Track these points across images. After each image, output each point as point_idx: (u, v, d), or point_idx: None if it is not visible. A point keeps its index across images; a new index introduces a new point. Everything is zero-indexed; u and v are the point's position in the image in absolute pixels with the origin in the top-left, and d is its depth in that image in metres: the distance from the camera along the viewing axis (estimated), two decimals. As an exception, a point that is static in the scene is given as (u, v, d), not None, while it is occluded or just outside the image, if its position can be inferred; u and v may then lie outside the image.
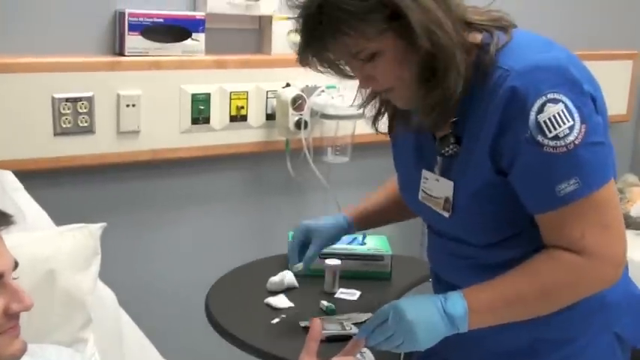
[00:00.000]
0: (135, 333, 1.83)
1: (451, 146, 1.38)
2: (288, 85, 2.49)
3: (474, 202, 1.36)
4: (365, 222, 1.80)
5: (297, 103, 2.45)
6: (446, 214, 1.41)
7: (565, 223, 1.30)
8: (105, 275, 1.78)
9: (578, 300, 1.36)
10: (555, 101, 1.25)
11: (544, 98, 1.25)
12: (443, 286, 1.47)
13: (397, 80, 1.33)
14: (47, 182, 2.16)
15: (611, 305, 1.37)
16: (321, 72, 1.40)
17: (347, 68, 1.39)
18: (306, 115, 2.46)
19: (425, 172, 1.47)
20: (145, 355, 1.81)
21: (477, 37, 1.34)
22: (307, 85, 2.49)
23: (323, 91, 2.52)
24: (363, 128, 2.42)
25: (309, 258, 1.75)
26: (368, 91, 1.47)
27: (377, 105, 1.50)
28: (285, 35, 2.48)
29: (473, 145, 1.34)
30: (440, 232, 1.51)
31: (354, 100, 1.54)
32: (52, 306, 1.57)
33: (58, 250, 1.62)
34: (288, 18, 1.37)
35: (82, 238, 1.67)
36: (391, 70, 1.31)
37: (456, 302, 1.33)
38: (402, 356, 1.71)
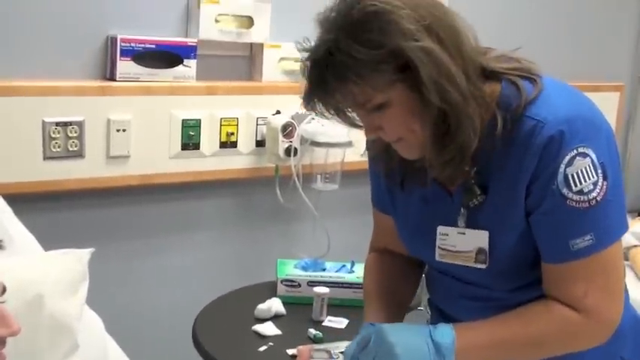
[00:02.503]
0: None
1: (478, 197, 1.35)
2: (278, 112, 2.50)
3: (512, 250, 1.34)
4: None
5: (287, 130, 2.46)
6: (482, 266, 1.37)
7: (570, 278, 1.30)
8: (92, 300, 1.76)
9: (566, 353, 1.36)
10: (584, 155, 1.25)
11: (575, 152, 1.25)
12: (448, 322, 1.40)
13: (407, 132, 1.28)
14: (36, 206, 2.16)
15: (620, 333, 1.37)
16: (327, 118, 1.34)
17: (354, 115, 1.33)
18: (295, 142, 2.47)
19: (443, 228, 1.41)
20: (131, 382, 1.79)
21: (496, 87, 1.30)
22: (297, 113, 2.50)
23: (313, 118, 2.53)
24: (352, 156, 2.45)
25: None
26: (380, 144, 1.41)
27: (389, 158, 1.43)
28: (276, 63, 2.50)
29: (505, 194, 1.32)
30: (461, 278, 1.45)
31: (363, 154, 1.52)
32: (39, 331, 1.55)
33: (45, 275, 1.60)
34: (296, 60, 1.31)
35: (70, 263, 1.66)
36: (400, 122, 1.27)
37: (445, 332, 1.32)
38: None
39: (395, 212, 1.52)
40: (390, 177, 1.47)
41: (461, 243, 1.39)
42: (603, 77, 3.36)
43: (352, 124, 1.36)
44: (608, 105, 3.36)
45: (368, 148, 1.50)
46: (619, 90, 3.42)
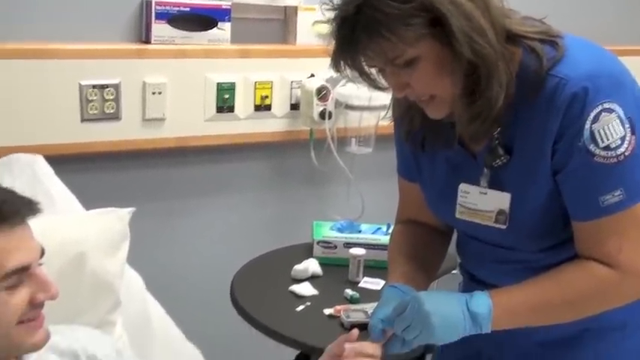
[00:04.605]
0: (161, 317, 1.84)
1: (502, 157, 1.35)
2: (312, 75, 2.49)
3: (536, 212, 1.34)
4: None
5: (322, 93, 2.45)
6: (502, 227, 1.37)
7: (602, 235, 1.29)
8: (131, 260, 1.79)
9: (603, 311, 1.35)
10: (609, 110, 1.24)
11: (600, 107, 1.23)
12: (480, 286, 1.42)
13: (435, 89, 1.28)
14: (75, 168, 2.18)
15: None
16: (352, 81, 1.34)
17: (380, 79, 1.33)
18: (330, 105, 2.47)
19: (464, 186, 1.41)
20: (171, 339, 1.82)
21: (517, 51, 1.30)
22: (332, 76, 2.49)
23: (348, 82, 2.52)
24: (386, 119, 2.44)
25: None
26: (403, 105, 1.41)
27: (410, 120, 1.43)
28: (310, 26, 2.48)
29: (530, 155, 1.31)
30: (485, 240, 1.46)
31: (386, 112, 1.49)
32: (81, 289, 1.58)
33: (87, 234, 1.63)
34: (324, 21, 1.28)
35: (112, 222, 1.68)
36: (429, 78, 1.26)
37: (481, 301, 1.32)
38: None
39: (420, 176, 1.52)
40: (411, 139, 1.46)
41: (482, 202, 1.39)
42: (628, 40, 3.30)
43: (376, 87, 1.35)
44: (632, 69, 3.30)
45: (392, 108, 1.48)
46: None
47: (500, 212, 1.37)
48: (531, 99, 1.28)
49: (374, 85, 1.35)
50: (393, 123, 1.52)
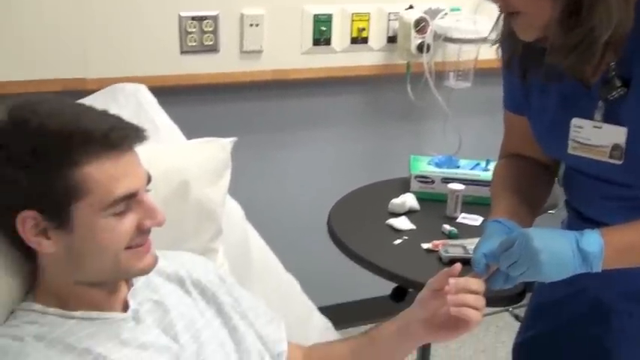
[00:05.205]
0: (260, 248, 1.86)
1: (618, 89, 1.28)
2: (411, 7, 2.44)
3: None
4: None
5: (420, 25, 2.40)
6: (616, 162, 1.31)
7: None
8: (230, 190, 1.80)
9: None
10: None
11: None
12: (587, 224, 1.37)
13: (533, 4, 1.21)
14: (174, 99, 2.20)
15: None
16: None
17: None
18: (428, 38, 2.42)
19: (577, 121, 1.35)
20: (269, 268, 1.84)
21: None
22: (430, 8, 2.44)
23: (446, 13, 2.46)
24: (486, 53, 2.36)
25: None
26: (507, 28, 1.35)
27: (513, 44, 1.37)
28: (409, -45, 2.43)
29: None
30: (597, 176, 1.41)
31: (491, 30, 1.42)
32: (185, 216, 1.60)
33: (190, 162, 1.64)
34: None
35: (214, 151, 1.69)
36: None
37: (592, 239, 1.26)
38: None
39: (529, 109, 1.46)
40: (512, 67, 1.40)
41: (595, 137, 1.33)
42: None
43: None
44: None
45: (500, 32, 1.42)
46: None
47: (615, 147, 1.31)
48: None
49: None
50: (496, 55, 1.46)
